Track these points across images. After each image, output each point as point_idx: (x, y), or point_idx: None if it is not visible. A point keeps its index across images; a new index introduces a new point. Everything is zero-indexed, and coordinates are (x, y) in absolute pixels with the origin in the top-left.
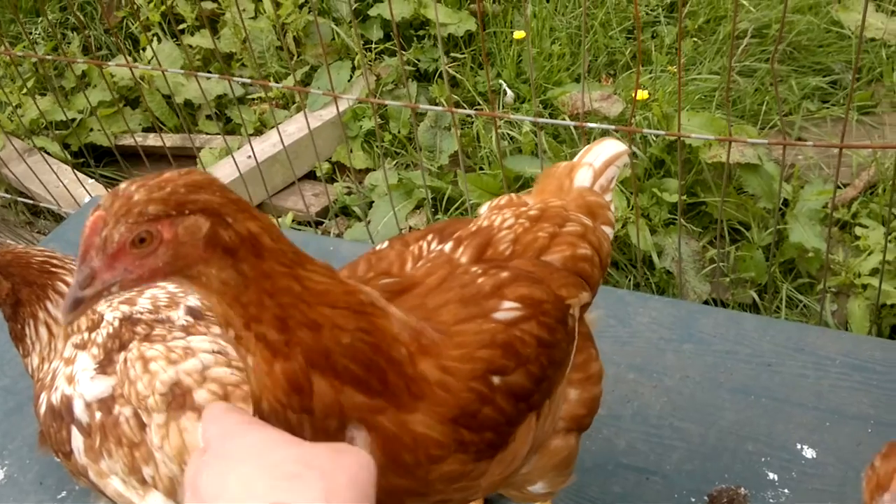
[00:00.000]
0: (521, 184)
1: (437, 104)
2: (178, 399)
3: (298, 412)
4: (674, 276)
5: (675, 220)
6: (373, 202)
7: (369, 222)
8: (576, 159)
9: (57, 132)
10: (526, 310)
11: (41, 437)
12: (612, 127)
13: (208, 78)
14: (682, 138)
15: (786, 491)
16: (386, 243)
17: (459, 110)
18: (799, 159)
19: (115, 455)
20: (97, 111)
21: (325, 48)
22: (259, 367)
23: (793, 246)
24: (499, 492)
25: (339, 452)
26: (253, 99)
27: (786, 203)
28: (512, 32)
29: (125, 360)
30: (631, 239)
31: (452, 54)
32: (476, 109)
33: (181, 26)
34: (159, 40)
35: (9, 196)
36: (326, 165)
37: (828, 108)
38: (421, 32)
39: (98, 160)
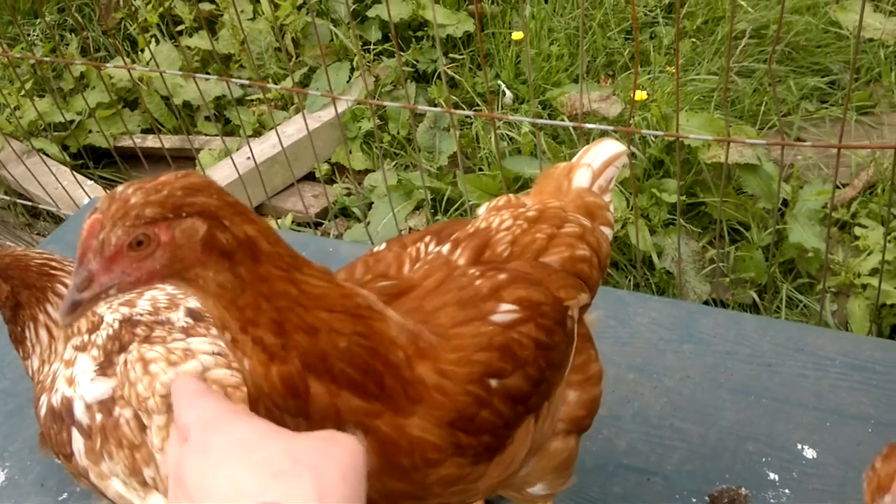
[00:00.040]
0: (521, 184)
1: (435, 105)
2: None
3: (295, 416)
4: (674, 277)
5: (675, 220)
6: (372, 203)
7: (369, 223)
8: (574, 160)
9: (55, 134)
10: (524, 312)
11: (42, 439)
12: (611, 128)
13: (207, 79)
14: (680, 139)
15: (786, 491)
16: (384, 245)
17: (458, 111)
18: (798, 159)
19: (116, 457)
20: (96, 113)
21: (323, 49)
22: (255, 370)
23: (792, 246)
24: (498, 493)
25: (329, 443)
26: (252, 100)
27: (785, 203)
28: (510, 33)
29: (125, 362)
30: (630, 239)
31: (451, 55)
32: (475, 110)
33: (179, 28)
34: (157, 42)
35: (8, 198)
36: (325, 167)
37: (826, 108)
38: (419, 33)
39: (97, 162)
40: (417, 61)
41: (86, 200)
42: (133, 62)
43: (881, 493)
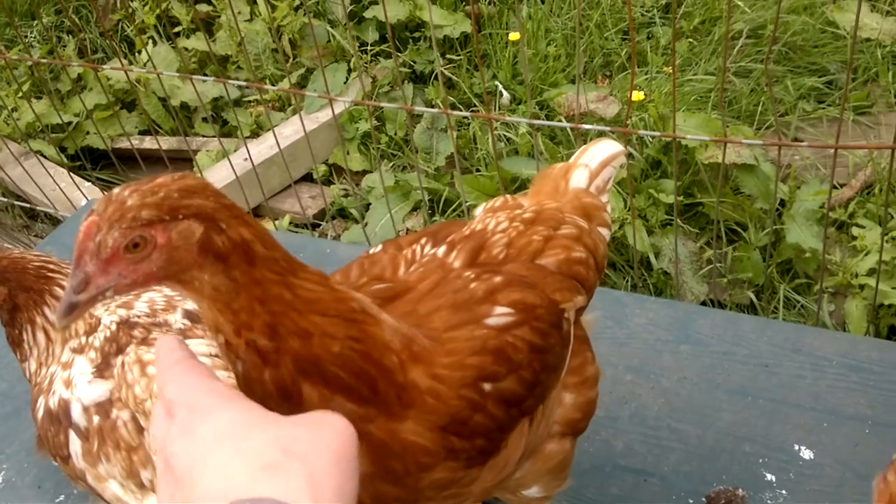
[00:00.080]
0: (518, 185)
1: (433, 106)
2: None
3: None
4: (671, 277)
5: (672, 220)
6: (370, 204)
7: (366, 224)
8: (572, 160)
9: (53, 135)
10: (518, 315)
11: (39, 442)
12: (608, 128)
13: (204, 81)
14: (677, 139)
15: (783, 492)
16: (379, 247)
17: (455, 112)
18: (795, 160)
19: (114, 459)
20: (93, 114)
21: (320, 50)
22: (248, 374)
23: (790, 246)
24: (494, 496)
25: (318, 429)
26: (249, 101)
27: (782, 203)
28: (507, 34)
29: (123, 364)
30: (628, 240)
31: (448, 56)
32: (472, 111)
33: (176, 29)
34: (155, 43)
35: (5, 199)
36: (323, 168)
37: (824, 108)
38: (416, 34)
39: (94, 163)
40: (414, 62)
41: (83, 202)
42: (130, 64)
43: None
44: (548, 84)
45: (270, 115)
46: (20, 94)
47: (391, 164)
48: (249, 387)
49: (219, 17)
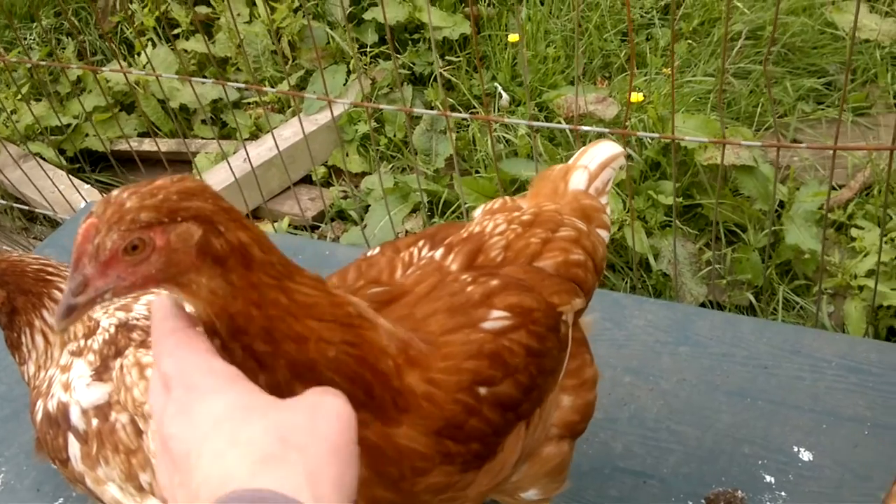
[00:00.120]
0: (517, 187)
1: (432, 108)
2: None
3: None
4: (670, 279)
5: (671, 222)
6: (369, 206)
7: (366, 226)
8: (571, 162)
9: (52, 137)
10: (515, 319)
11: (38, 445)
12: (608, 130)
13: (203, 83)
14: (677, 141)
15: (783, 493)
16: (377, 249)
17: (454, 114)
18: (794, 161)
19: (112, 462)
20: (92, 116)
21: (319, 52)
22: None
23: (789, 248)
24: (492, 499)
25: (315, 415)
26: (248, 103)
27: (781, 205)
28: (507, 36)
29: (121, 367)
30: (627, 241)
31: (447, 58)
32: (471, 113)
33: (175, 31)
34: (154, 45)
35: (4, 202)
36: (322, 170)
37: (823, 109)
38: (416, 36)
39: (93, 165)
40: (414, 64)
41: (82, 204)
42: (129, 66)
43: None
44: (547, 85)
45: (269, 117)
46: (19, 97)
47: (390, 166)
48: None
49: (218, 18)
